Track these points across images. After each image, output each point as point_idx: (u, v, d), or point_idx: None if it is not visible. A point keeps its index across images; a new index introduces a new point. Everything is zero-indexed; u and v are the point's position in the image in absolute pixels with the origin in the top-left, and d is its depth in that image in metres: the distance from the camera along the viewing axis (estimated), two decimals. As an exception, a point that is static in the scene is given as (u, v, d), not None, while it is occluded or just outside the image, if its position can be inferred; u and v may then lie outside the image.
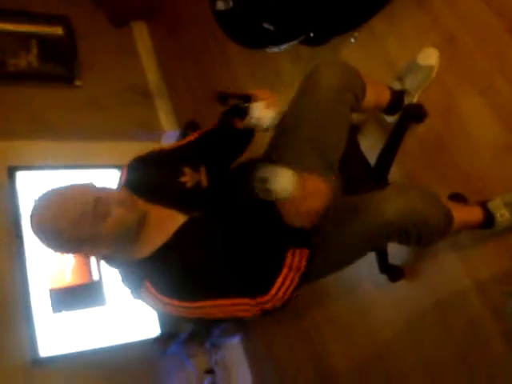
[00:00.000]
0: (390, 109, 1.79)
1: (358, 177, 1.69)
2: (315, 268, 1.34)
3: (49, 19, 3.11)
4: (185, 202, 1.33)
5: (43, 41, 3.01)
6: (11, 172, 2.42)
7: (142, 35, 3.37)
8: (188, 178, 1.37)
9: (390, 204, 1.28)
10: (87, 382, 2.25)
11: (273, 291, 1.23)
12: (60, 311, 2.26)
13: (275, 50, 1.86)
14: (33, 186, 2.44)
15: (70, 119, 2.83)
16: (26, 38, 2.97)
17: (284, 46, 1.82)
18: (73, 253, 1.25)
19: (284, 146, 1.52)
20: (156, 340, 2.45)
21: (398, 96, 1.78)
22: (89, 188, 1.21)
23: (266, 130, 1.47)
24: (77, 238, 1.18)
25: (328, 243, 1.37)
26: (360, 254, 1.43)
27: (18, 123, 2.70)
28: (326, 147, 1.47)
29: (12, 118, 2.69)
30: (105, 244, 1.21)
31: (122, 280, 1.30)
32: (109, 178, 2.63)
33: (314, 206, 1.18)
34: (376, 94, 1.65)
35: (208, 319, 1.25)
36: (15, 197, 2.37)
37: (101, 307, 2.36)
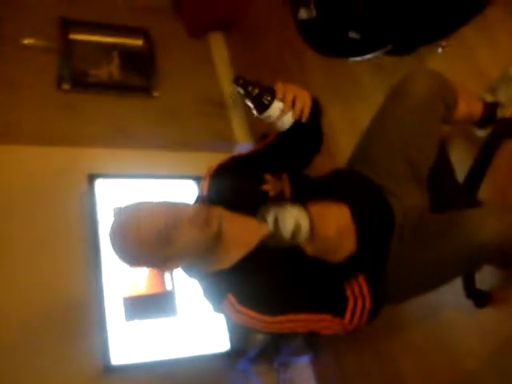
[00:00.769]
0: (482, 122, 1.68)
1: (447, 193, 1.58)
2: (395, 290, 1.29)
3: (130, 31, 3.20)
4: None
5: (124, 52, 3.08)
6: (91, 179, 2.47)
7: (218, 46, 3.40)
8: (270, 186, 1.33)
9: (489, 223, 1.18)
10: (156, 393, 2.25)
11: (347, 317, 1.20)
12: (133, 319, 2.26)
13: (358, 59, 1.80)
14: (111, 194, 2.48)
15: (147, 129, 2.87)
16: (109, 49, 3.06)
17: (368, 56, 1.75)
18: (155, 268, 1.26)
19: (371, 154, 1.45)
20: (225, 355, 2.40)
21: (490, 108, 1.67)
22: (158, 210, 1.17)
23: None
24: (152, 259, 1.18)
25: (413, 263, 1.29)
26: (448, 277, 1.33)
27: (98, 131, 2.77)
28: (415, 158, 1.40)
29: (93, 127, 2.76)
30: (179, 263, 1.21)
31: (204, 293, 1.28)
32: (184, 189, 2.64)
33: (333, 223, 1.16)
34: (468, 106, 1.56)
35: (284, 333, 1.24)
36: (94, 204, 2.41)
37: (172, 318, 2.35)
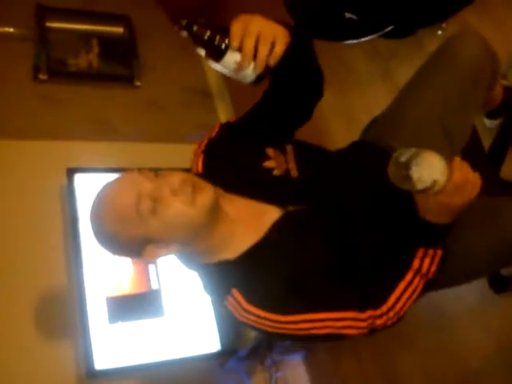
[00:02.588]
0: (497, 110, 1.58)
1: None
2: (440, 278, 1.09)
3: (110, 18, 3.08)
4: (274, 193, 1.13)
5: (104, 40, 2.97)
6: (70, 174, 2.34)
7: (202, 34, 3.27)
8: (274, 162, 1.15)
9: None
10: (143, 397, 2.15)
11: (390, 302, 1.02)
12: (116, 322, 2.14)
13: (354, 42, 1.69)
14: (91, 189, 2.35)
15: (129, 120, 2.76)
16: (88, 37, 2.94)
17: (366, 38, 1.64)
18: (138, 255, 1.06)
19: (404, 122, 1.28)
20: (215, 355, 2.30)
21: (508, 93, 1.57)
22: (135, 180, 1.01)
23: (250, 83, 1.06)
24: (132, 240, 1.02)
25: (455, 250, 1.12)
26: (484, 270, 1.25)
27: (78, 124, 2.65)
28: (455, 132, 1.24)
29: (71, 118, 2.64)
30: (167, 243, 1.03)
31: (204, 286, 1.12)
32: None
33: (460, 200, 0.95)
34: (499, 84, 1.44)
35: (299, 336, 1.03)
36: (73, 200, 2.29)
37: (159, 318, 2.23)
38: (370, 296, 1.03)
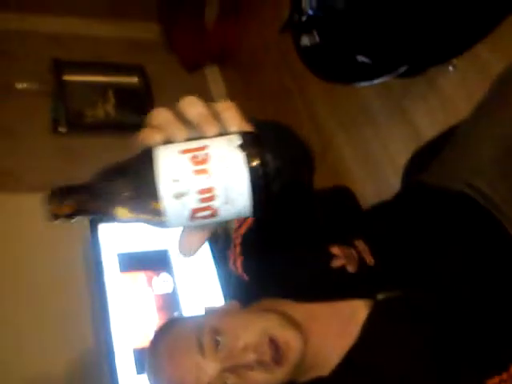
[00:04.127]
0: None
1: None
2: None
3: (124, 69, 3.16)
4: (356, 288, 0.97)
5: (119, 90, 3.05)
6: (93, 225, 2.37)
7: (215, 80, 3.34)
8: (343, 260, 0.96)
9: None
10: None
11: None
12: (145, 372, 2.12)
13: (367, 84, 1.72)
14: (115, 238, 2.37)
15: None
16: (103, 88, 3.02)
17: (378, 80, 1.67)
18: None
19: (483, 158, 1.12)
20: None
21: None
22: (199, 366, 0.87)
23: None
24: None
25: None
26: None
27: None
28: None
29: (92, 169, 2.64)
30: None
31: None
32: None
33: None
34: None
35: None
36: (98, 250, 2.31)
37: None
38: (496, 363, 0.92)
